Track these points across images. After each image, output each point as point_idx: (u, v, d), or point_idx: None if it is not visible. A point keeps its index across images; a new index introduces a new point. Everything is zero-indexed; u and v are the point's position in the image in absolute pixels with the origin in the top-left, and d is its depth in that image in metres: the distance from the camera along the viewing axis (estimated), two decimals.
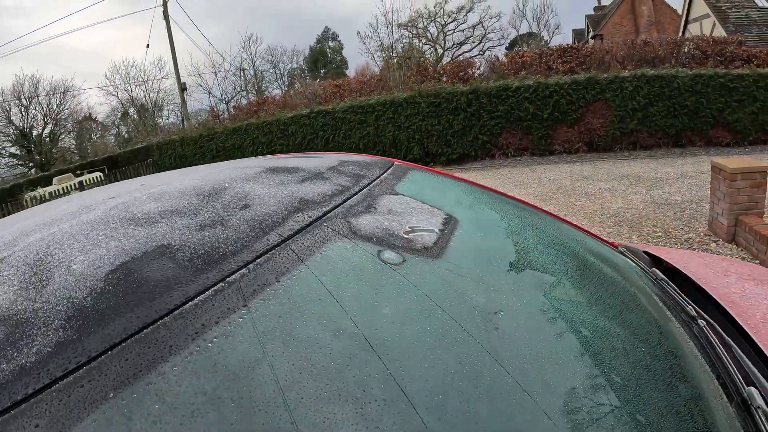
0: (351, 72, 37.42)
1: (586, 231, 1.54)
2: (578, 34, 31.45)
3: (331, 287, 0.72)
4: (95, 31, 54.41)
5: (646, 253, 1.58)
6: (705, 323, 1.04)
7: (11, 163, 29.92)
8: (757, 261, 4.14)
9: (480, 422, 0.57)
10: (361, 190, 1.13)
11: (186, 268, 0.66)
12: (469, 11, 31.42)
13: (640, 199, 6.34)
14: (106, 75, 52.81)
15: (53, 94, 30.12)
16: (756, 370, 0.91)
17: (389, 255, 0.85)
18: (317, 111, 12.73)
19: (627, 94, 9.41)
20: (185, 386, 0.48)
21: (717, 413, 0.83)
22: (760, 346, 1.00)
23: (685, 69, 9.48)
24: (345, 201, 1.02)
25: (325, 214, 0.93)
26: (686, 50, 10.60)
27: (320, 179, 1.15)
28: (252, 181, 1.07)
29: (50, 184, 15.37)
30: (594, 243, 1.46)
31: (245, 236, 0.78)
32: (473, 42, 31.89)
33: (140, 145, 18.44)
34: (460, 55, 29.98)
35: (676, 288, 1.26)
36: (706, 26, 18.00)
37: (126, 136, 32.17)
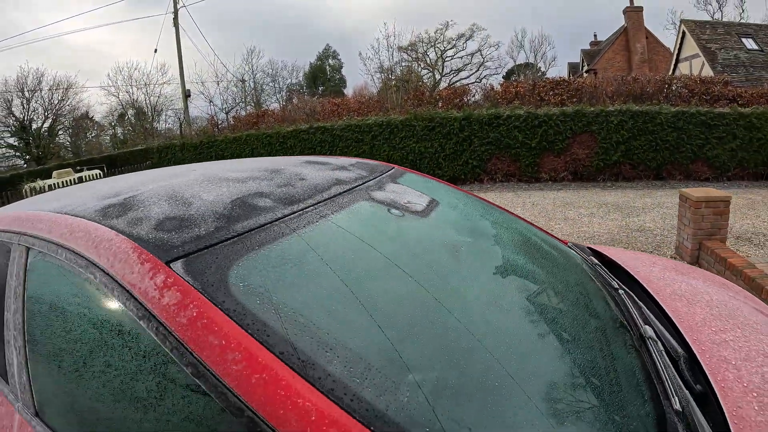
0: (349, 91, 38.26)
1: (543, 230, 2.10)
2: (573, 68, 32.35)
3: (354, 224, 1.36)
4: (101, 31, 55.08)
5: (590, 248, 2.07)
6: (624, 292, 1.56)
7: (8, 154, 30.28)
8: None
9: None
10: (374, 177, 1.78)
11: (277, 202, 1.32)
12: (469, 39, 32.45)
13: (616, 225, 6.74)
14: (108, 75, 53.57)
15: (56, 89, 30.88)
16: (653, 317, 1.43)
17: (395, 211, 1.53)
18: (316, 127, 13.24)
19: (612, 127, 9.91)
20: (276, 253, 1.09)
21: (626, 341, 1.31)
22: (662, 305, 1.52)
23: (668, 106, 9.99)
24: (364, 182, 1.67)
25: (353, 187, 1.58)
26: (674, 88, 11.14)
27: (345, 170, 1.80)
28: (299, 167, 1.74)
29: (50, 177, 15.73)
30: (548, 237, 2.02)
31: (306, 193, 1.43)
32: (471, 69, 32.86)
33: (139, 147, 18.89)
34: (457, 81, 30.84)
35: (606, 270, 1.79)
36: (696, 66, 18.71)
37: (122, 137, 32.62)
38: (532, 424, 0.86)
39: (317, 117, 16.21)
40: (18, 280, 1.34)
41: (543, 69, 31.98)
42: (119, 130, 35.06)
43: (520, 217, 2.12)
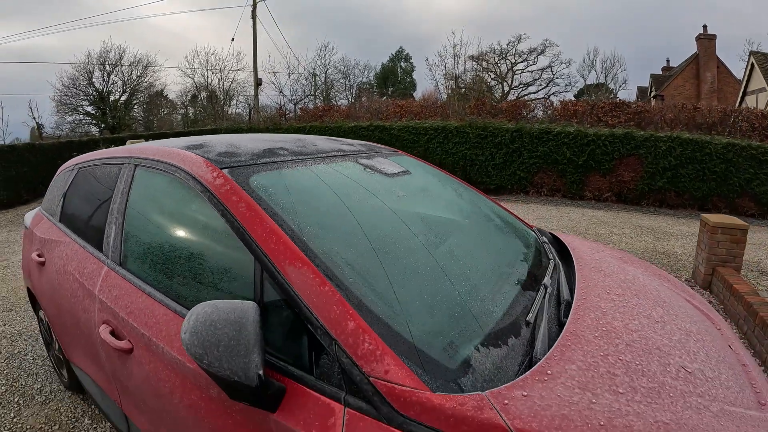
0: (418, 94, 38.89)
1: (515, 215, 2.78)
2: (642, 92, 31.80)
3: (336, 172, 2.11)
4: (183, 14, 58.47)
5: (551, 233, 2.68)
6: (555, 262, 2.16)
7: (85, 121, 32.77)
8: (722, 307, 4.58)
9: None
10: (369, 151, 2.55)
11: (290, 153, 2.13)
12: (540, 54, 32.44)
13: (642, 246, 6.99)
14: (186, 58, 56.75)
15: (135, 66, 33.29)
16: (563, 277, 1.98)
17: (368, 170, 2.24)
18: (376, 125, 14.09)
19: (660, 153, 10.16)
20: (280, 176, 1.90)
21: (531, 286, 1.85)
22: (577, 272, 2.07)
23: (720, 137, 10.12)
24: (358, 153, 2.44)
25: (347, 153, 2.35)
26: (733, 121, 11.23)
27: (351, 146, 2.60)
28: (318, 140, 2.59)
29: (123, 144, 17.21)
30: (514, 219, 2.68)
31: (312, 151, 2.23)
32: (540, 84, 32.79)
33: (209, 127, 20.39)
34: (525, 95, 30.88)
35: (551, 247, 2.39)
36: (762, 99, 18.31)
37: (192, 117, 34.71)
38: (463, 318, 1.49)
39: (381, 116, 17.05)
40: (125, 184, 2.25)
41: (614, 90, 31.70)
42: (191, 111, 37.31)
43: (493, 199, 2.81)
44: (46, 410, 3.13)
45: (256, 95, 23.43)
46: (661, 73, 31.14)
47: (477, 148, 12.12)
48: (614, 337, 1.49)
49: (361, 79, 41.57)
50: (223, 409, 1.44)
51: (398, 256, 1.68)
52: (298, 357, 1.33)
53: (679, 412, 1.20)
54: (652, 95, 28.79)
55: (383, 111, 17.69)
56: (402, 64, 45.60)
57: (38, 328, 4.36)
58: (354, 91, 39.67)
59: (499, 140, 11.78)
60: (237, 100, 36.41)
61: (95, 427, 2.93)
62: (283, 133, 15.47)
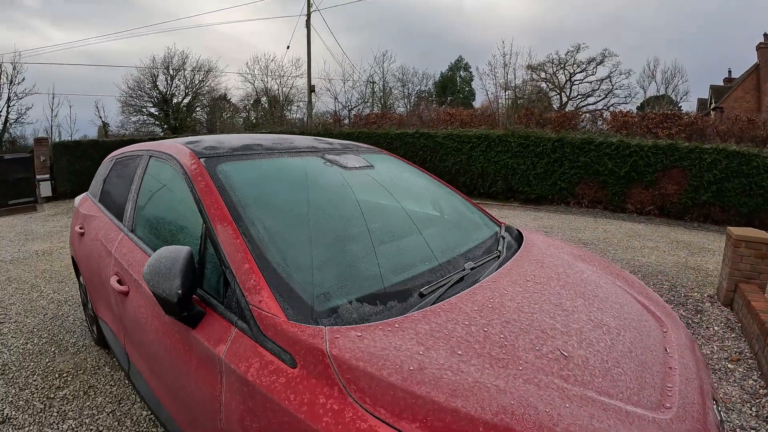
0: (477, 104, 38.97)
1: (486, 213, 3.14)
2: (702, 104, 30.62)
3: (299, 164, 2.66)
4: (245, 17, 61.34)
5: (518, 230, 2.97)
6: (498, 252, 2.47)
7: (148, 122, 35.04)
8: (739, 325, 4.43)
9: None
10: (340, 148, 3.03)
11: (263, 147, 2.68)
12: (599, 64, 31.85)
13: (674, 260, 6.88)
14: (247, 64, 59.26)
15: (197, 70, 35.35)
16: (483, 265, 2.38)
17: (348, 165, 2.76)
18: (421, 133, 14.51)
19: (705, 165, 9.98)
20: (247, 165, 2.47)
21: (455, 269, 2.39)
22: (512, 262, 2.46)
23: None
24: (329, 149, 2.93)
25: (316, 149, 2.87)
26: None
27: (327, 143, 3.10)
28: (298, 138, 3.11)
29: None
30: (478, 215, 3.05)
31: (282, 147, 2.75)
32: (599, 95, 32.20)
33: (264, 131, 21.54)
34: (584, 106, 30.46)
35: (506, 241, 2.66)
36: None
37: (254, 121, 36.35)
38: (348, 278, 1.88)
39: (432, 124, 17.52)
40: (142, 170, 2.94)
41: (677, 102, 30.65)
42: (252, 114, 39.06)
43: (471, 201, 3.22)
44: (75, 359, 3.89)
45: (309, 101, 24.54)
46: (722, 84, 30.04)
47: (519, 157, 12.30)
48: (494, 313, 1.72)
49: (419, 87, 42.18)
50: (168, 328, 1.99)
51: (309, 225, 2.18)
52: (216, 291, 1.85)
53: (513, 382, 1.37)
54: (711, 107, 27.70)
55: (434, 119, 18.15)
56: (461, 73, 45.89)
57: (78, 297, 5.34)
58: (412, 99, 40.27)
59: (541, 150, 11.92)
60: (297, 106, 37.84)
61: (113, 374, 3.63)
62: (331, 137, 16.20)
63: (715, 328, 4.35)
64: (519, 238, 2.82)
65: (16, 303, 5.43)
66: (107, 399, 3.29)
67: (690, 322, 4.47)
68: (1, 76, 29.29)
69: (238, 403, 1.51)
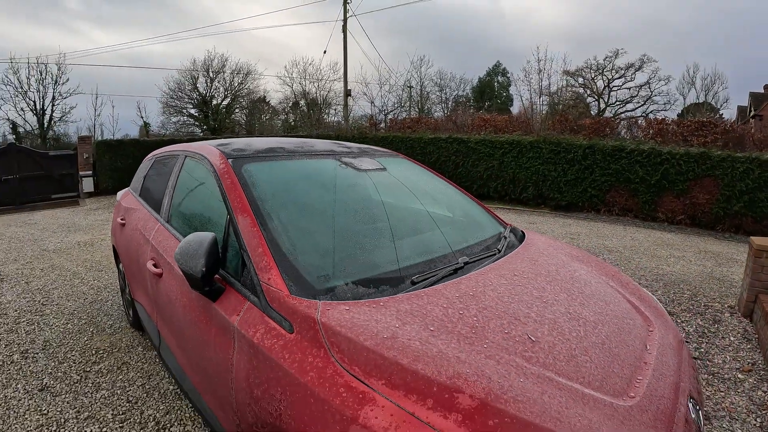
0: (515, 110, 38.86)
1: (494, 215, 3.36)
2: (741, 112, 29.78)
3: (317, 166, 2.98)
4: (283, 22, 62.74)
5: (521, 230, 3.16)
6: (497, 250, 2.66)
7: (188, 122, 36.18)
8: (756, 336, 4.39)
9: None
10: (357, 151, 3.33)
11: (285, 150, 3.00)
12: (638, 70, 31.38)
13: (699, 270, 6.81)
14: (285, 67, 60.63)
15: (237, 73, 36.33)
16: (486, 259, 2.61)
17: (362, 168, 3.06)
18: (454, 138, 14.72)
19: (737, 175, 9.82)
20: (270, 166, 2.81)
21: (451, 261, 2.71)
22: (512, 252, 2.70)
23: None
24: (346, 153, 3.21)
25: (334, 153, 3.16)
26: None
27: (346, 147, 3.39)
28: (320, 142, 3.46)
29: None
30: (486, 217, 3.28)
31: (304, 150, 3.06)
32: (637, 102, 31.71)
33: (303, 134, 22.08)
34: (623, 113, 30.06)
35: (509, 240, 2.86)
36: None
37: (292, 123, 37.13)
38: (349, 264, 2.22)
39: (466, 129, 17.69)
40: (178, 168, 3.28)
41: (719, 110, 29.95)
42: (291, 117, 39.90)
43: (480, 203, 3.44)
44: (111, 339, 4.28)
45: (346, 105, 25.05)
46: (762, 91, 29.18)
47: (550, 164, 12.35)
48: (473, 300, 1.92)
49: (457, 92, 42.42)
50: (193, 303, 2.30)
51: (318, 218, 2.48)
52: (235, 272, 2.15)
53: (474, 356, 1.56)
54: (750, 115, 26.99)
55: (468, 124, 18.30)
56: (499, 78, 45.99)
57: (117, 285, 5.83)
58: (450, 104, 40.45)
59: (572, 156, 11.94)
60: (334, 109, 38.48)
61: (145, 353, 3.99)
62: (366, 141, 16.55)
63: (731, 338, 4.36)
64: (522, 238, 2.99)
65: (59, 288, 5.92)
66: (138, 374, 3.65)
67: (706, 331, 4.49)
68: (47, 76, 30.85)
69: (245, 362, 1.79)
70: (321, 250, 2.21)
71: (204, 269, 1.98)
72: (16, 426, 3.06)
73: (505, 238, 2.87)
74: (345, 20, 23.54)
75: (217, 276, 2.15)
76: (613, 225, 10.51)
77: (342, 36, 23.75)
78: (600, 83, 33.34)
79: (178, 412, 3.16)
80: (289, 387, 1.57)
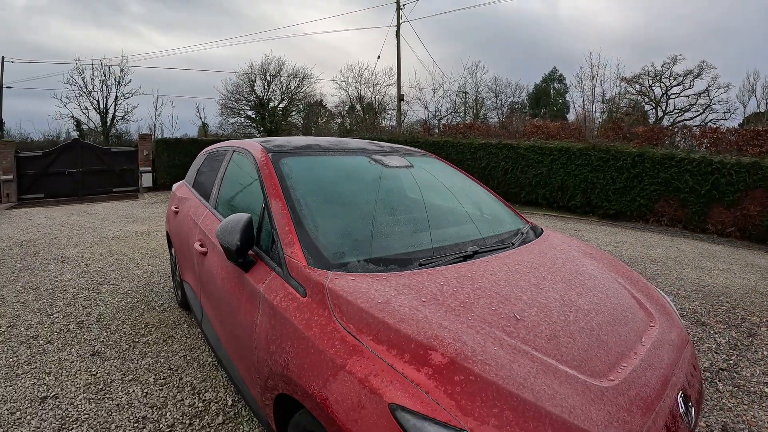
0: (572, 117, 38.31)
1: (516, 212, 3.58)
2: None
3: (348, 162, 3.31)
4: (338, 27, 64.06)
5: (541, 228, 3.35)
6: (510, 243, 2.88)
7: (245, 124, 37.48)
8: None
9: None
10: (387, 150, 3.64)
11: (320, 147, 3.36)
12: (697, 77, 30.30)
13: (743, 283, 6.68)
14: (341, 71, 61.60)
15: (293, 77, 37.27)
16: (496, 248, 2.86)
17: (390, 165, 3.37)
18: (504, 144, 14.81)
19: None
20: (306, 161, 3.17)
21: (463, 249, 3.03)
22: (525, 246, 2.93)
23: None
24: (377, 151, 3.52)
25: (365, 150, 3.48)
26: None
27: (377, 146, 3.70)
28: (354, 141, 3.89)
29: None
30: (508, 213, 3.51)
31: (338, 148, 3.45)
32: (696, 110, 30.62)
33: (357, 137, 22.63)
34: (681, 121, 29.17)
35: (527, 236, 3.07)
36: None
37: (348, 127, 37.80)
38: (363, 243, 2.59)
39: (519, 136, 17.72)
40: (227, 161, 3.67)
41: None
42: (347, 121, 40.61)
43: (500, 198, 3.68)
44: (160, 316, 4.77)
45: (399, 110, 25.50)
46: None
47: (599, 171, 12.25)
48: (469, 281, 2.12)
49: (512, 98, 42.12)
50: (229, 275, 2.67)
51: (342, 205, 2.79)
52: (266, 248, 2.48)
53: (457, 325, 1.76)
54: None
55: (520, 131, 18.33)
56: (555, 84, 45.43)
57: (169, 270, 6.39)
58: (505, 111, 40.25)
59: (621, 164, 11.80)
60: (389, 114, 38.93)
61: (189, 330, 4.44)
62: (417, 145, 16.82)
63: (765, 352, 4.30)
64: (540, 235, 3.15)
65: (115, 270, 6.56)
66: (181, 347, 4.09)
67: (738, 344, 4.44)
68: (110, 77, 32.77)
69: (266, 323, 2.12)
70: (339, 232, 2.51)
71: (239, 243, 2.33)
72: (67, 383, 3.53)
73: (523, 233, 3.04)
74: (398, 26, 23.99)
75: (251, 252, 2.48)
76: (661, 235, 10.36)
77: (396, 41, 24.17)
78: (658, 90, 32.52)
79: (213, 380, 3.54)
80: (297, 341, 1.88)
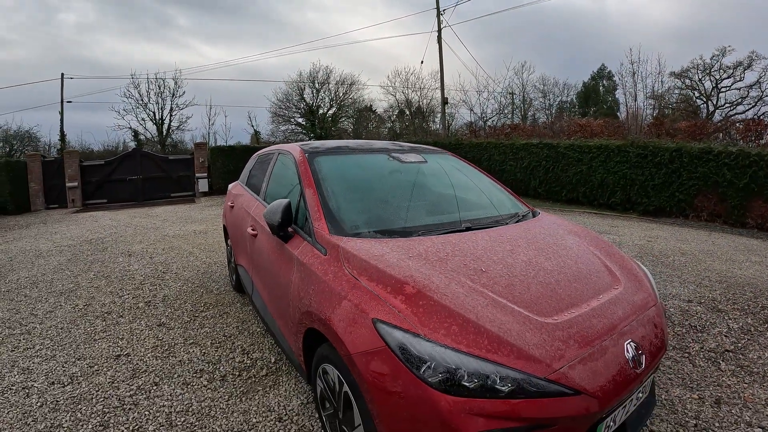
0: (622, 115, 37.71)
1: (520, 200, 4.09)
2: None
3: (370, 160, 4.00)
4: (384, 33, 64.94)
5: (540, 212, 3.87)
6: (504, 223, 3.48)
7: (296, 131, 38.84)
8: None
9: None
10: (405, 148, 4.32)
11: (349, 148, 4.10)
12: (747, 68, 29.21)
13: None
14: (388, 76, 62.47)
15: (341, 84, 38.32)
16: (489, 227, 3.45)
17: (405, 160, 4.08)
18: (544, 143, 15.19)
19: None
20: (337, 159, 3.89)
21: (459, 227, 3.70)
22: (515, 224, 3.51)
23: None
24: (398, 150, 4.20)
25: (387, 149, 4.17)
26: None
27: (398, 145, 4.40)
28: (378, 142, 4.63)
29: None
30: (512, 201, 4.03)
31: (363, 148, 4.14)
32: (749, 103, 29.48)
33: (404, 141, 23.38)
34: (733, 115, 28.28)
35: (520, 216, 3.64)
36: None
37: (398, 131, 38.50)
38: (376, 220, 3.26)
39: (562, 134, 17.94)
40: (273, 162, 4.43)
41: None
42: (397, 125, 41.36)
43: (498, 182, 4.22)
44: (216, 297, 5.62)
45: (443, 113, 26.06)
46: None
47: (637, 168, 12.39)
48: (451, 245, 2.67)
49: (560, 98, 41.84)
50: (273, 247, 3.38)
51: (360, 191, 3.43)
52: (302, 225, 3.15)
53: (430, 270, 2.33)
54: None
55: (565, 130, 18.51)
56: (603, 82, 44.78)
57: (224, 261, 7.32)
58: (553, 110, 40.02)
59: (659, 160, 11.91)
60: (438, 117, 39.42)
61: (242, 308, 5.23)
62: (460, 146, 17.36)
63: None
64: (535, 217, 3.68)
65: (176, 262, 7.53)
66: (234, 320, 4.86)
67: (752, 329, 4.56)
68: (165, 89, 34.79)
69: (298, 278, 2.83)
70: (356, 210, 3.17)
71: (280, 220, 3.03)
72: (137, 345, 4.36)
73: (519, 216, 3.58)
74: (439, 31, 24.56)
75: (290, 228, 3.16)
76: (699, 231, 10.35)
77: (438, 46, 24.73)
78: (708, 84, 31.63)
79: (260, 345, 4.27)
80: (317, 284, 2.57)
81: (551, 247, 2.90)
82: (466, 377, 1.85)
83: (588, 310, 2.27)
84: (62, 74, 30.84)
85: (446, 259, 2.51)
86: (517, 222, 3.42)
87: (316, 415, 3.12)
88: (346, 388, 2.30)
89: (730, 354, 4.00)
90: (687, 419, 3.07)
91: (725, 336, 4.34)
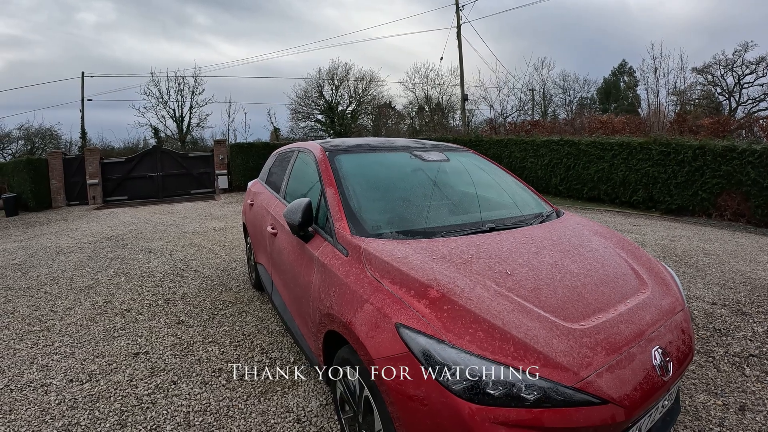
0: (644, 111, 37.20)
1: (544, 199, 4.02)
2: None
3: (393, 157, 3.93)
4: (403, 30, 64.90)
5: (564, 212, 3.81)
6: (529, 223, 3.41)
7: (315, 127, 39.05)
8: None
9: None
10: (426, 146, 4.25)
11: (370, 145, 4.05)
12: None
13: None
14: (407, 73, 62.33)
15: (360, 80, 38.33)
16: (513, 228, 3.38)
17: (427, 159, 4.01)
18: (565, 140, 14.99)
19: None
20: (358, 157, 3.84)
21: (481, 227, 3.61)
22: (540, 226, 3.45)
23: None
24: (419, 147, 4.15)
25: (408, 147, 4.12)
26: None
27: (419, 143, 4.36)
28: (400, 139, 4.61)
29: None
30: (535, 199, 3.96)
31: (384, 146, 4.08)
32: None
33: (424, 137, 23.33)
34: (756, 112, 27.69)
35: (541, 217, 3.57)
36: None
37: (417, 128, 38.44)
38: (397, 220, 3.18)
39: (583, 131, 17.74)
40: (293, 159, 4.39)
41: None
42: (417, 121, 41.29)
43: (521, 180, 4.15)
44: (236, 294, 5.62)
45: (463, 110, 25.89)
46: None
47: (659, 166, 12.18)
48: (476, 246, 2.62)
49: (581, 94, 41.37)
50: (293, 247, 3.36)
51: (382, 190, 3.36)
52: (322, 225, 3.11)
53: (454, 273, 2.28)
54: None
55: (585, 127, 18.30)
56: (624, 78, 44.07)
57: (244, 259, 7.33)
58: (574, 107, 39.61)
59: (682, 158, 11.67)
60: (458, 113, 39.25)
61: (261, 306, 5.22)
62: (481, 143, 17.28)
63: None
64: (559, 217, 3.60)
65: (196, 259, 7.57)
66: (253, 318, 4.86)
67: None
68: (184, 87, 35.06)
69: (319, 279, 2.79)
70: (378, 210, 3.10)
71: (300, 220, 3.00)
72: (156, 342, 4.37)
73: (543, 216, 3.51)
74: (459, 27, 24.41)
75: (311, 228, 3.13)
76: (722, 230, 10.18)
77: (457, 42, 24.57)
78: (730, 80, 30.95)
79: (279, 344, 4.25)
80: (338, 287, 2.52)
81: (577, 249, 2.84)
82: (490, 385, 1.80)
83: (615, 316, 2.22)
84: (82, 73, 31.42)
85: (471, 261, 2.46)
86: (541, 222, 3.35)
87: (335, 417, 3.10)
88: (366, 392, 2.27)
89: (755, 359, 3.90)
90: (711, 426, 3.01)
91: (750, 340, 4.24)
